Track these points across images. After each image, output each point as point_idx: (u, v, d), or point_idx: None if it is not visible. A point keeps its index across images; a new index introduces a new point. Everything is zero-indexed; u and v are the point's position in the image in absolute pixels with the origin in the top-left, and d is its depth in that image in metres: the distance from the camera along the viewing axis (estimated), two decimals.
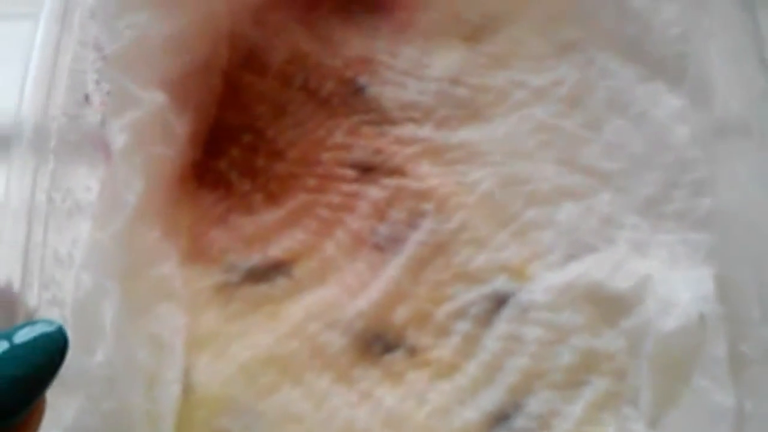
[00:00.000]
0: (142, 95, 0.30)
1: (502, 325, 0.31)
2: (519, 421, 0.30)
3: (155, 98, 0.31)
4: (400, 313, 0.31)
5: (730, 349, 0.28)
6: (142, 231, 0.30)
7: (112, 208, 0.28)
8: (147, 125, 0.30)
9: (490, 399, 0.30)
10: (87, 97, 0.30)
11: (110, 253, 0.28)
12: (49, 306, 0.26)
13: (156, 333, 0.29)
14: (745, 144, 0.30)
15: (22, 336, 0.21)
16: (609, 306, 0.31)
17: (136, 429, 0.27)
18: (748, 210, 0.29)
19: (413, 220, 0.33)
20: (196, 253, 0.32)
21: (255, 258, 0.32)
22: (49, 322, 0.21)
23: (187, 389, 0.29)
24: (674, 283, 0.30)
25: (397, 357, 0.31)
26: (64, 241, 0.28)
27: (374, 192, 0.33)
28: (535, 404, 0.30)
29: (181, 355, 0.29)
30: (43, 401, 0.21)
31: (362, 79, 0.35)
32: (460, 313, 0.31)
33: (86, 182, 0.28)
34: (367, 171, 0.33)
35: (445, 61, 0.35)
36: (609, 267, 0.31)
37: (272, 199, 0.33)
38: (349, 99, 0.34)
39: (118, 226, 0.28)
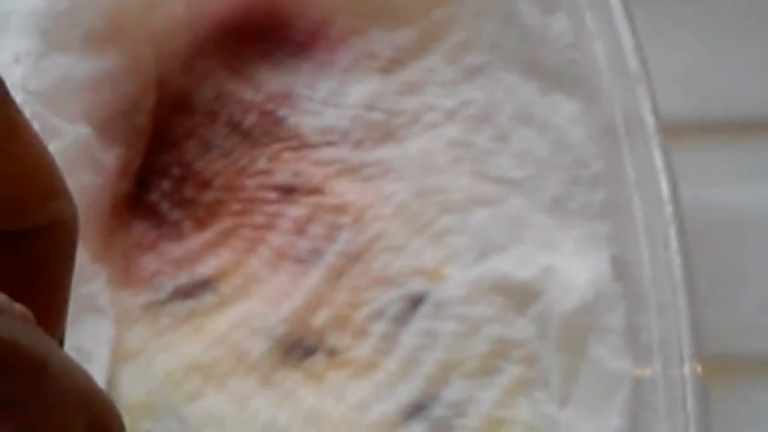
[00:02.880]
0: (67, 128, 0.32)
1: (418, 323, 0.32)
2: (436, 411, 0.31)
3: (80, 131, 0.33)
4: (320, 318, 0.33)
5: (626, 321, 0.29)
6: None
7: None
8: (72, 155, 0.32)
9: (407, 392, 0.31)
10: None
11: None
12: None
13: (81, 345, 0.30)
14: (629, 136, 0.32)
15: None
16: (517, 296, 0.32)
17: None
18: (635, 197, 0.31)
19: (332, 233, 0.34)
20: (127, 279, 0.34)
21: (183, 277, 0.34)
22: None
23: (112, 397, 0.30)
24: (575, 269, 0.31)
25: (318, 359, 0.32)
26: None
27: (295, 211, 0.35)
28: (450, 393, 0.31)
29: (106, 366, 0.30)
30: None
31: (282, 111, 0.37)
32: (377, 315, 0.33)
33: None
34: (288, 192, 0.35)
35: (360, 90, 0.38)
36: (516, 261, 0.33)
37: (200, 224, 0.35)
38: (271, 129, 0.37)
39: None
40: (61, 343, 0.18)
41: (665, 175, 0.29)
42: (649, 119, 0.31)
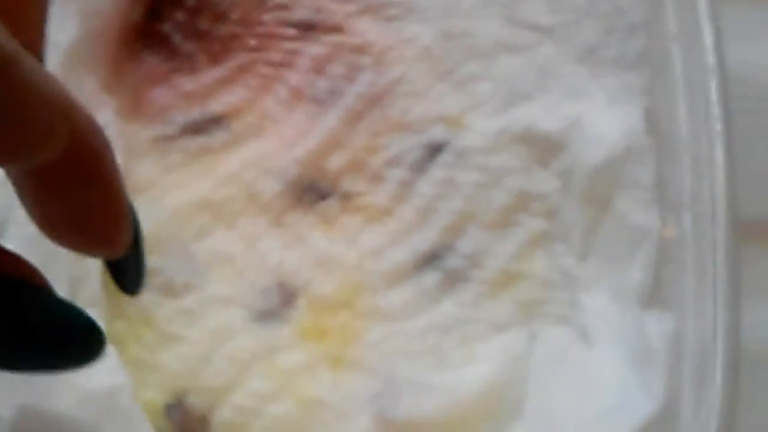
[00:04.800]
0: None
1: (436, 171, 0.31)
2: (450, 261, 0.30)
3: None
4: (335, 162, 0.31)
5: (656, 176, 0.28)
6: (77, 78, 0.30)
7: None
8: None
9: (422, 241, 0.30)
10: None
11: None
12: None
13: None
14: None
15: None
16: (542, 147, 0.31)
17: (64, 263, 0.27)
18: (675, 46, 0.29)
19: (351, 74, 0.33)
20: (136, 111, 0.32)
21: (194, 113, 0.32)
22: None
23: None
24: (605, 121, 0.30)
25: (331, 203, 0.31)
26: None
27: (314, 49, 0.33)
28: (466, 244, 0.30)
29: None
30: None
31: None
32: (395, 161, 0.31)
33: None
34: (308, 29, 0.34)
35: None
36: (543, 111, 0.31)
37: (214, 58, 0.33)
38: None
39: (49, 67, 0.29)
40: None
41: (709, 24, 0.27)
42: None
